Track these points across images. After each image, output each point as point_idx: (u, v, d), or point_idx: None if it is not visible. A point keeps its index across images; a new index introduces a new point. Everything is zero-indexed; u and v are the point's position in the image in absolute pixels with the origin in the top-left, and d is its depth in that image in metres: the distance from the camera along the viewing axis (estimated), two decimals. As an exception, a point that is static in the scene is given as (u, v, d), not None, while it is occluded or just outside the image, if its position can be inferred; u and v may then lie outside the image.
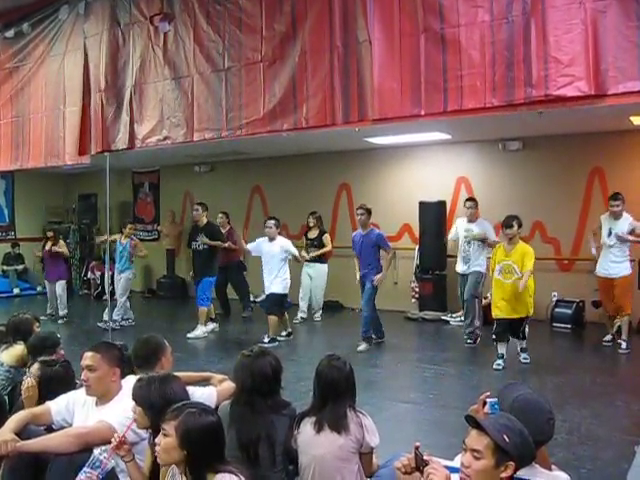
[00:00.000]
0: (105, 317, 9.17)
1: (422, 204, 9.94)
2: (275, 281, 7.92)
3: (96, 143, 6.59)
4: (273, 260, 7.92)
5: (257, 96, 5.39)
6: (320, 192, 11.19)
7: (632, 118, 7.65)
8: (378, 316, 7.85)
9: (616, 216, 7.33)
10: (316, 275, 9.67)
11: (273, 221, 8.11)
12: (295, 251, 8.16)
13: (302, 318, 9.62)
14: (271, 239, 8.01)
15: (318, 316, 9.85)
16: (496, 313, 6.75)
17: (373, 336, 7.74)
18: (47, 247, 10.05)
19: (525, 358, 6.77)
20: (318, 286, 9.75)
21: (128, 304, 9.65)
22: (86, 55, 6.66)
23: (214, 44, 5.68)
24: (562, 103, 4.08)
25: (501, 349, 6.68)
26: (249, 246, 8.23)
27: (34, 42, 7.15)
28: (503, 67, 4.20)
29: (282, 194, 11.50)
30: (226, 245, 8.88)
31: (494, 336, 6.80)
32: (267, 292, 8.06)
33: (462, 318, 8.64)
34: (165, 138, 6.05)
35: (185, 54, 5.88)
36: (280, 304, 8.05)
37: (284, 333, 8.28)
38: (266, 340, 7.69)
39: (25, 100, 7.29)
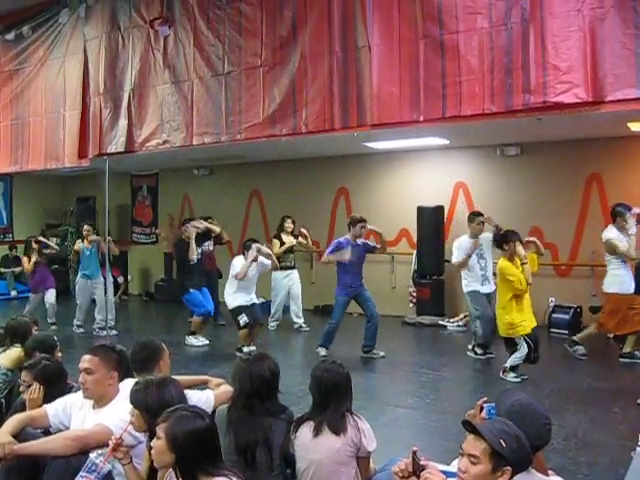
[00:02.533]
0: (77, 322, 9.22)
1: (420, 209, 9.94)
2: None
3: (94, 146, 6.60)
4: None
5: (256, 101, 5.41)
6: (318, 196, 11.20)
7: (630, 124, 7.67)
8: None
9: None
10: (295, 283, 9.41)
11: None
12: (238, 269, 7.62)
13: (277, 326, 9.44)
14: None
15: (303, 324, 9.49)
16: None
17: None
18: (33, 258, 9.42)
19: (514, 377, 6.29)
20: (299, 293, 9.44)
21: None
22: (86, 58, 6.69)
23: (214, 48, 5.70)
24: (560, 110, 4.11)
25: None
26: None
27: (34, 45, 7.18)
28: (502, 73, 4.22)
29: (280, 198, 11.50)
30: None
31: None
32: (253, 302, 7.76)
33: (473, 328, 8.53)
34: (164, 142, 6.07)
35: (185, 58, 5.90)
36: None
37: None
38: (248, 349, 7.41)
39: (25, 103, 7.31)
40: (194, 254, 8.32)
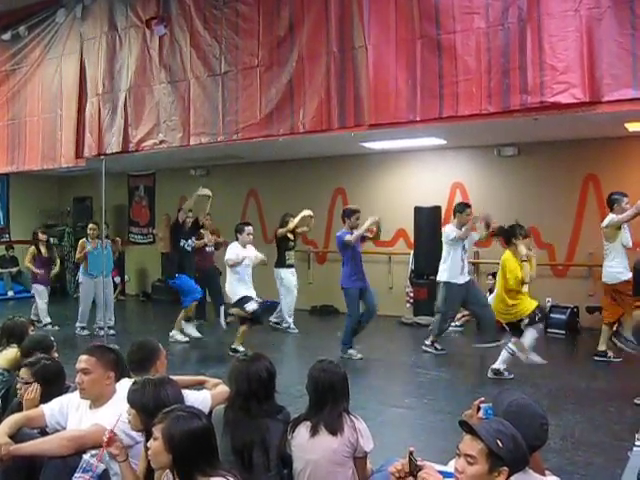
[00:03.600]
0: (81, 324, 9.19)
1: (417, 209, 9.95)
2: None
3: (92, 146, 6.59)
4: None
5: (254, 101, 5.41)
6: (315, 196, 11.20)
7: (627, 125, 7.69)
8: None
9: None
10: (296, 279, 9.50)
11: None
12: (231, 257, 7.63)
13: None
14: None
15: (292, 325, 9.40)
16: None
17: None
18: (42, 251, 9.76)
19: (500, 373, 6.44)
20: (295, 293, 9.46)
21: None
22: (82, 58, 6.68)
23: (211, 48, 5.70)
24: (557, 110, 4.12)
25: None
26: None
27: (31, 45, 7.17)
28: (499, 74, 4.23)
29: (277, 198, 11.51)
30: None
31: None
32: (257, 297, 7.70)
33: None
34: (161, 142, 6.07)
35: (181, 58, 5.89)
36: None
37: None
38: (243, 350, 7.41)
39: (22, 103, 7.30)
40: (183, 215, 8.41)
